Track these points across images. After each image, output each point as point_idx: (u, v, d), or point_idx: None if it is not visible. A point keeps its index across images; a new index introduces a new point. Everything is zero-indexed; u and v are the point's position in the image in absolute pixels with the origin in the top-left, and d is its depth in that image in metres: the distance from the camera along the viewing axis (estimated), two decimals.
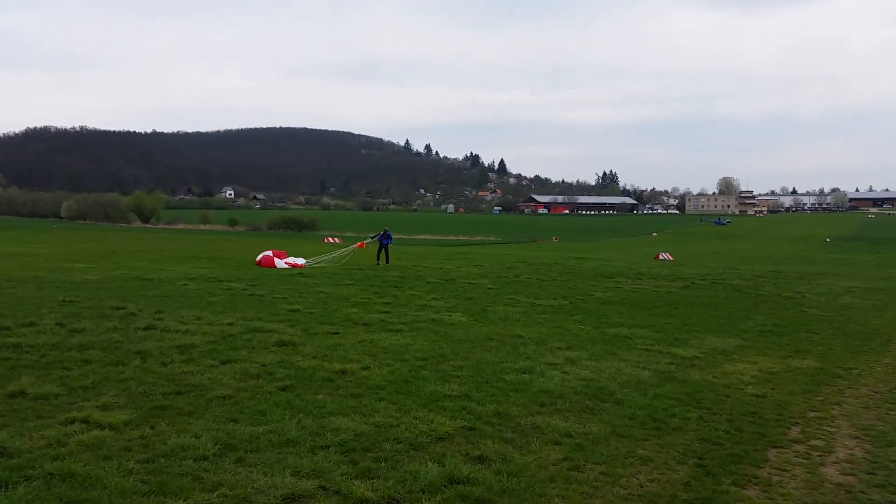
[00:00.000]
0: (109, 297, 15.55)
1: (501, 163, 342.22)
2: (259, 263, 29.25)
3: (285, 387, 8.22)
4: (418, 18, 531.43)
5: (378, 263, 30.45)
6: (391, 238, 31.97)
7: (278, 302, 16.44)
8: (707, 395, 9.06)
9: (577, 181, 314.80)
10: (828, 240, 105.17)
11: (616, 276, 29.16)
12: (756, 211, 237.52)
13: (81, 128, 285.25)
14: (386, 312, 15.27)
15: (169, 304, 15.05)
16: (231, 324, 12.47)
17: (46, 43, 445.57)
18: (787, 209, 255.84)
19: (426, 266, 31.74)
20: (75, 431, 6.22)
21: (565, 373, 9.59)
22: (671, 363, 10.99)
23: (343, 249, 32.36)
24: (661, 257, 54.95)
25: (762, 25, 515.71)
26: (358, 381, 8.62)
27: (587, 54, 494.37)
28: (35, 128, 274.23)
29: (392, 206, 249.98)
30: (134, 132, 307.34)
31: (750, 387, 9.71)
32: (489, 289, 22.36)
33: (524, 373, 9.47)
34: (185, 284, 19.58)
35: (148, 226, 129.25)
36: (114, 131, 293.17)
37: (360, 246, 33.15)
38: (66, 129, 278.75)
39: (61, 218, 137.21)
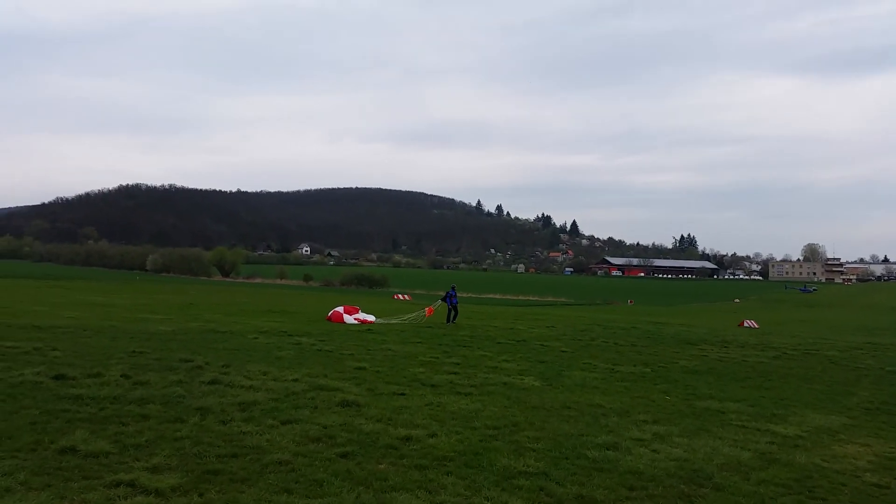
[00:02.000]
0: (179, 349, 15.50)
1: (573, 224, 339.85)
2: (329, 319, 29.18)
3: (346, 453, 7.63)
4: (492, 86, 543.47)
5: (449, 322, 29.82)
6: (454, 295, 31.31)
7: (345, 358, 16.00)
8: (819, 483, 7.89)
9: (653, 244, 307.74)
10: None
11: (700, 344, 27.45)
12: (844, 279, 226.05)
13: (170, 185, 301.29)
14: (454, 374, 14.55)
15: (237, 357, 14.83)
16: (296, 380, 12.05)
17: (141, 106, 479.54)
18: (878, 278, 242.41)
19: (496, 326, 30.89)
20: (119, 496, 5.77)
21: (654, 451, 8.58)
22: (772, 442, 9.78)
23: (412, 315, 31.83)
24: (745, 325, 52.16)
25: (845, 91, 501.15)
26: (424, 450, 7.94)
27: (657, 122, 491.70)
28: (127, 185, 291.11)
29: (462, 265, 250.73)
30: (219, 191, 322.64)
31: (868, 474, 8.43)
32: (563, 352, 21.30)
33: (608, 448, 8.54)
34: (255, 338, 19.47)
35: (228, 279, 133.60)
36: (200, 189, 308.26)
37: (429, 313, 32.43)
38: (155, 187, 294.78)
39: (146, 271, 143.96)
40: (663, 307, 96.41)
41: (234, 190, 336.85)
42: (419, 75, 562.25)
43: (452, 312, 30.59)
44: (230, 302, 41.86)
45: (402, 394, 11.40)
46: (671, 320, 52.36)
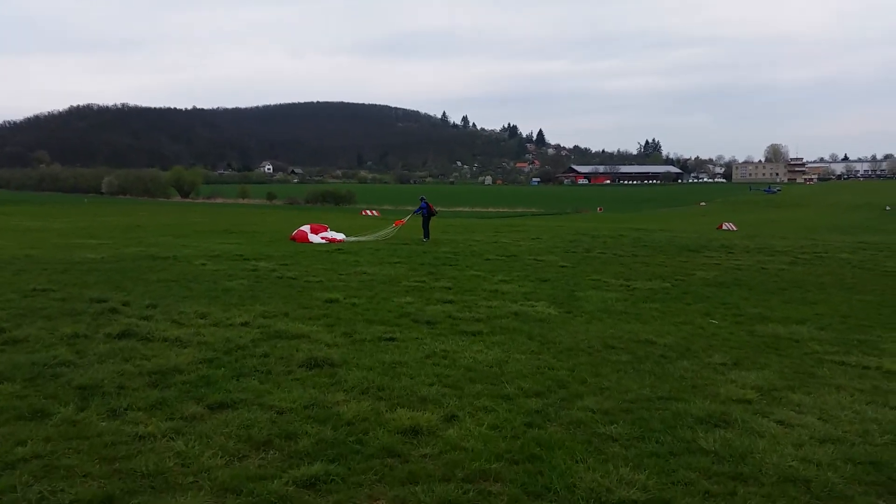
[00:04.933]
0: (98, 284, 12.30)
1: (540, 134, 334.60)
2: (293, 239, 26.02)
3: (312, 480, 4.49)
4: None
5: (425, 239, 26.86)
6: (429, 208, 28.01)
7: (312, 287, 13.00)
8: None
9: (619, 151, 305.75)
10: (888, 208, 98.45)
11: (701, 250, 25.05)
12: (806, 179, 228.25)
13: (123, 105, 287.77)
14: (450, 302, 11.70)
15: (171, 292, 11.72)
16: (245, 324, 9.04)
17: (89, 26, 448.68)
18: (839, 176, 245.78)
19: (478, 240, 28.05)
20: None
21: (783, 424, 5.80)
22: None
23: (382, 232, 28.73)
24: (724, 227, 50.67)
25: None
26: (444, 455, 4.94)
27: (629, 23, 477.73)
28: (78, 105, 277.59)
29: (429, 179, 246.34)
30: (175, 108, 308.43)
31: None
32: (563, 267, 18.62)
33: (718, 425, 5.71)
34: (202, 264, 16.30)
35: (187, 200, 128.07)
36: (155, 108, 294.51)
37: (399, 224, 29.49)
38: (107, 107, 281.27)
39: (102, 193, 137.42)
40: (633, 213, 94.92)
41: (189, 108, 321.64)
42: None
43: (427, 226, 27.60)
44: (183, 223, 38.17)
45: (392, 338, 8.45)
46: (650, 226, 50.36)
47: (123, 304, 10.15)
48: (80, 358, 7.07)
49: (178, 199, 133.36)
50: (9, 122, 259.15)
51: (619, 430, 5.44)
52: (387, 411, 5.73)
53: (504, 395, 6.27)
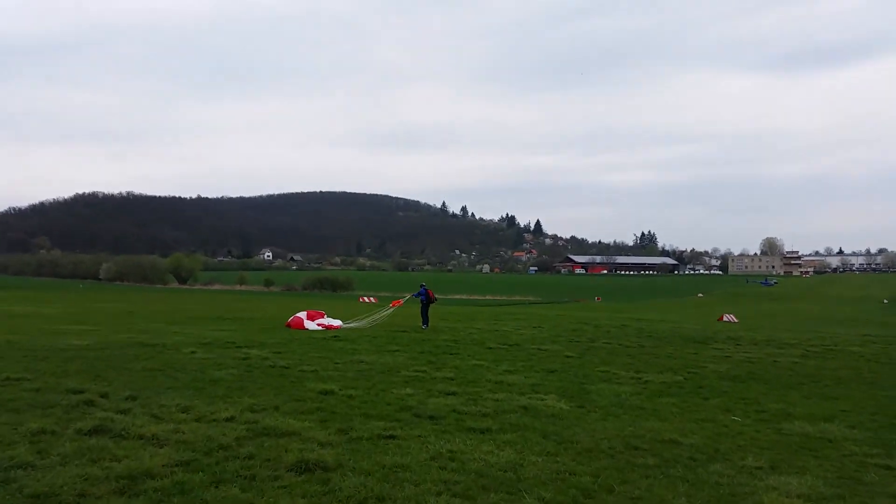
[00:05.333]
0: (79, 373, 11.54)
1: (537, 224, 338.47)
2: (289, 325, 25.31)
3: None
4: (460, 89, 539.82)
5: (424, 326, 26.16)
6: (428, 295, 27.40)
7: (306, 378, 12.23)
8: None
9: (615, 242, 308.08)
10: (885, 301, 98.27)
11: (708, 342, 24.35)
12: (802, 272, 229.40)
13: (128, 193, 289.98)
14: (453, 394, 10.93)
15: (155, 382, 10.94)
16: (230, 419, 8.25)
17: (102, 115, 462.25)
18: (835, 269, 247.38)
19: (478, 328, 27.36)
20: None
21: None
22: None
23: (381, 311, 28.06)
24: (725, 319, 50.09)
25: (803, 88, 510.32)
26: None
27: (625, 120, 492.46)
28: (83, 193, 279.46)
29: (427, 267, 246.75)
30: (179, 197, 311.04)
31: None
32: (568, 357, 17.88)
33: None
34: (191, 352, 15.54)
35: (185, 287, 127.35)
36: (160, 196, 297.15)
37: (396, 304, 28.79)
38: (113, 195, 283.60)
39: (100, 280, 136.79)
40: (630, 304, 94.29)
41: (194, 196, 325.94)
42: (387, 80, 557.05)
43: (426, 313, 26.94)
44: (178, 309, 37.44)
45: (392, 436, 7.66)
46: (650, 316, 49.68)
47: (101, 396, 9.35)
48: (41, 459, 6.26)
49: (175, 285, 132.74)
50: (13, 209, 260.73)
51: None
52: None
53: None
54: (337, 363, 14.68)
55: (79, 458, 6.37)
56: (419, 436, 7.73)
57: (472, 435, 7.93)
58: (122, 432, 7.36)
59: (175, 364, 13.39)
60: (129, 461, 6.25)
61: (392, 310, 28.21)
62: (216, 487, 5.68)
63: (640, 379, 14.25)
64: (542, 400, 10.82)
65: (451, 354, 17.41)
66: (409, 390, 11.10)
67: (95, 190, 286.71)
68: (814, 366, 18.18)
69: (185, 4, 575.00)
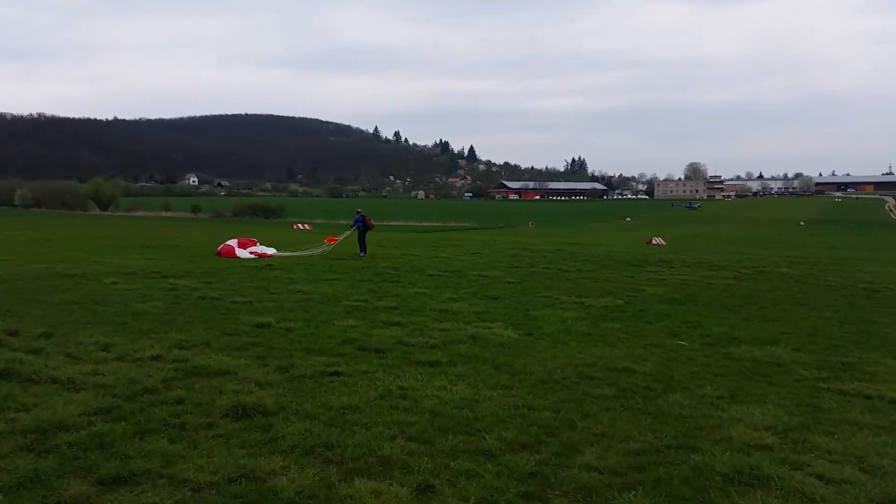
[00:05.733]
0: None
1: (471, 150, 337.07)
2: (219, 254, 24.19)
3: None
4: (391, 11, 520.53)
5: (363, 254, 25.50)
6: (365, 221, 26.63)
7: (240, 309, 11.52)
8: None
9: (547, 168, 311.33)
10: (802, 223, 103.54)
11: (642, 265, 24.70)
12: (724, 195, 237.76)
13: (39, 115, 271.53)
14: (398, 325, 10.48)
15: (72, 317, 10.03)
16: (157, 357, 7.54)
17: (7, 31, 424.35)
18: (755, 193, 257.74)
19: (417, 255, 26.92)
20: None
21: (823, 479, 4.77)
22: None
23: (317, 249, 26.79)
24: (654, 242, 51.47)
25: (729, 17, 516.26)
26: None
27: (558, 46, 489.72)
28: None
29: (362, 193, 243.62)
30: (94, 119, 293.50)
31: None
32: (510, 283, 17.71)
33: (750, 485, 4.65)
34: (113, 283, 14.49)
35: (106, 213, 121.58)
36: (73, 118, 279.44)
37: (331, 241, 27.60)
38: (22, 116, 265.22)
39: (14, 206, 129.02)
40: (563, 228, 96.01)
41: (110, 118, 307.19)
42: None
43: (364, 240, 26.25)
44: (99, 236, 35.40)
45: (337, 373, 7.13)
46: (583, 241, 50.52)
47: (10, 334, 8.43)
48: None
49: (96, 211, 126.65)
50: None
51: (641, 500, 4.32)
52: (340, 481, 4.43)
53: (485, 452, 5.06)
54: (273, 293, 13.98)
55: None
56: (366, 371, 7.25)
57: (422, 369, 7.51)
58: (33, 376, 6.55)
59: (95, 296, 12.40)
60: (39, 410, 5.50)
61: (329, 246, 27.00)
62: (140, 439, 5.02)
63: (582, 304, 14.17)
64: (490, 328, 10.52)
65: (393, 283, 16.93)
66: (351, 321, 10.58)
67: (2, 111, 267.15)
68: (747, 287, 18.62)
69: None
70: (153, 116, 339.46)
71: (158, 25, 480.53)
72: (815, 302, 15.85)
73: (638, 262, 26.14)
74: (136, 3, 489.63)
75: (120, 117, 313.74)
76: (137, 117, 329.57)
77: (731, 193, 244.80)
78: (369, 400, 6.20)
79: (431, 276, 18.97)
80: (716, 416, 6.14)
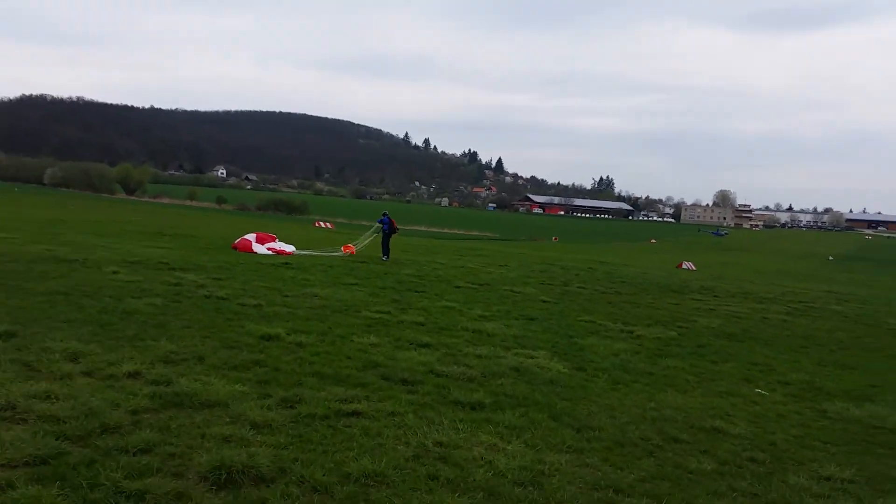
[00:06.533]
0: None
1: (499, 161, 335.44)
2: (235, 247, 22.90)
3: None
4: (430, 19, 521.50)
5: (385, 258, 24.05)
6: (391, 224, 25.08)
7: (247, 315, 10.08)
8: None
9: (573, 184, 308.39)
10: (831, 258, 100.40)
11: (684, 291, 22.96)
12: (752, 224, 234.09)
13: (78, 98, 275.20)
14: (427, 346, 8.97)
15: (51, 312, 8.64)
16: (134, 375, 6.08)
17: (56, 16, 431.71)
18: (783, 225, 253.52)
19: (442, 263, 25.34)
20: None
21: None
22: None
23: (335, 251, 24.94)
24: (684, 266, 49.50)
25: (773, 49, 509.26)
26: None
27: (596, 65, 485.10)
28: (31, 95, 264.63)
29: (386, 196, 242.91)
30: (132, 106, 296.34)
31: None
32: (545, 302, 16.13)
33: None
34: (113, 272, 13.17)
35: (132, 198, 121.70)
36: (111, 104, 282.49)
37: (348, 251, 25.11)
38: (62, 99, 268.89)
39: (43, 185, 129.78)
40: (586, 245, 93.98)
41: (147, 106, 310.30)
42: (359, 4, 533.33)
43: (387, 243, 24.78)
44: (114, 220, 34.38)
45: (357, 413, 5.60)
46: (610, 259, 48.70)
47: None
48: None
49: (122, 195, 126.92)
50: None
51: None
52: None
53: None
54: (286, 296, 12.56)
55: None
56: (392, 414, 5.70)
57: (462, 413, 5.96)
58: None
59: (87, 286, 11.03)
60: None
61: (346, 255, 24.93)
62: None
63: (630, 333, 12.59)
64: (533, 358, 8.98)
65: (417, 292, 15.46)
66: (373, 338, 9.08)
67: (44, 92, 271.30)
68: (805, 325, 16.88)
69: None
70: (189, 108, 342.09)
71: (202, 21, 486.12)
72: (891, 348, 14.10)
73: (679, 287, 24.37)
74: None
75: (157, 106, 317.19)
76: (174, 108, 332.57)
77: (758, 223, 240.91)
78: (399, 463, 4.62)
79: (459, 288, 17.47)
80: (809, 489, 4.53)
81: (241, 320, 9.53)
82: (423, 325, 10.87)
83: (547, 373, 8.16)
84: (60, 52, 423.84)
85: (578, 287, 20.66)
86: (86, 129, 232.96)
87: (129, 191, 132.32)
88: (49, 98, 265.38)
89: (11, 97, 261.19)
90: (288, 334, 8.77)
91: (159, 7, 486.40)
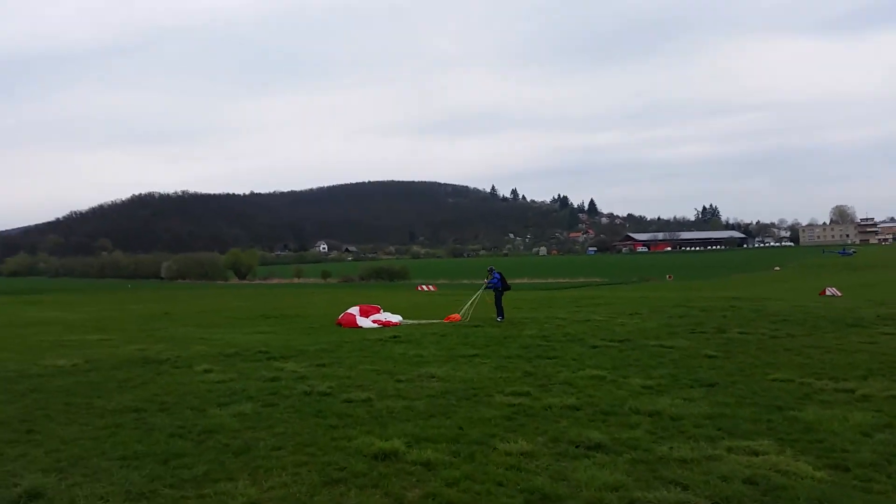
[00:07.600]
0: (4, 426, 7.43)
1: (591, 203, 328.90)
2: (339, 323, 21.23)
3: None
4: (503, 70, 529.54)
5: (500, 319, 21.61)
6: (502, 281, 22.60)
7: (354, 418, 7.87)
8: None
9: (675, 218, 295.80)
10: None
11: (863, 325, 18.99)
12: (881, 239, 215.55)
13: (183, 192, 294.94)
14: (601, 449, 6.39)
15: (109, 445, 6.74)
16: None
17: (151, 117, 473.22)
18: None
19: (563, 318, 22.52)
20: None
21: None
22: None
23: (425, 320, 22.48)
24: (828, 293, 44.13)
25: (863, 46, 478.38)
26: None
27: (676, 94, 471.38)
28: (140, 194, 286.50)
29: (482, 252, 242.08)
30: (232, 194, 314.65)
31: None
32: (710, 357, 13.06)
33: None
34: (205, 371, 11.44)
35: (244, 282, 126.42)
36: (214, 194, 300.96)
37: (452, 319, 22.39)
38: (168, 195, 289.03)
39: (162, 279, 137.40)
40: (705, 281, 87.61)
41: (247, 192, 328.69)
42: (432, 68, 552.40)
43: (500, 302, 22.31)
44: (222, 308, 33.90)
45: None
46: (741, 293, 43.89)
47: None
48: None
49: (235, 281, 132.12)
50: (75, 213, 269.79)
51: None
52: None
53: None
54: (399, 382, 10.34)
55: None
56: None
57: None
58: None
59: (169, 395, 9.23)
60: None
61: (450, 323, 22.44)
62: None
63: (851, 392, 9.46)
64: (760, 454, 6.17)
65: (550, 359, 12.88)
66: (522, 442, 6.59)
67: (151, 190, 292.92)
68: None
69: (229, 2, 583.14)
70: (285, 189, 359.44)
71: (291, 105, 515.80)
72: None
73: (854, 320, 20.32)
74: (270, 86, 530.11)
75: (256, 191, 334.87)
76: (271, 190, 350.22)
77: (887, 237, 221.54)
78: None
79: (596, 347, 14.70)
80: None
81: (347, 428, 7.31)
82: (578, 410, 8.28)
83: (800, 483, 5.36)
84: (164, 150, 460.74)
85: (739, 333, 17.27)
86: (193, 221, 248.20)
87: (241, 275, 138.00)
88: (157, 195, 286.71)
89: (124, 198, 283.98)
90: (409, 447, 6.44)
91: (248, 94, 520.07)
